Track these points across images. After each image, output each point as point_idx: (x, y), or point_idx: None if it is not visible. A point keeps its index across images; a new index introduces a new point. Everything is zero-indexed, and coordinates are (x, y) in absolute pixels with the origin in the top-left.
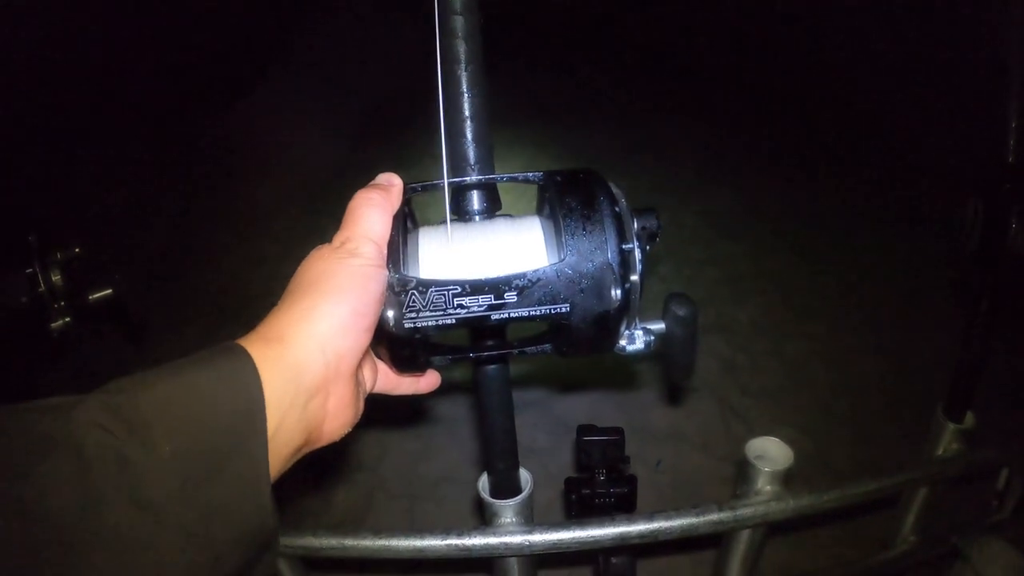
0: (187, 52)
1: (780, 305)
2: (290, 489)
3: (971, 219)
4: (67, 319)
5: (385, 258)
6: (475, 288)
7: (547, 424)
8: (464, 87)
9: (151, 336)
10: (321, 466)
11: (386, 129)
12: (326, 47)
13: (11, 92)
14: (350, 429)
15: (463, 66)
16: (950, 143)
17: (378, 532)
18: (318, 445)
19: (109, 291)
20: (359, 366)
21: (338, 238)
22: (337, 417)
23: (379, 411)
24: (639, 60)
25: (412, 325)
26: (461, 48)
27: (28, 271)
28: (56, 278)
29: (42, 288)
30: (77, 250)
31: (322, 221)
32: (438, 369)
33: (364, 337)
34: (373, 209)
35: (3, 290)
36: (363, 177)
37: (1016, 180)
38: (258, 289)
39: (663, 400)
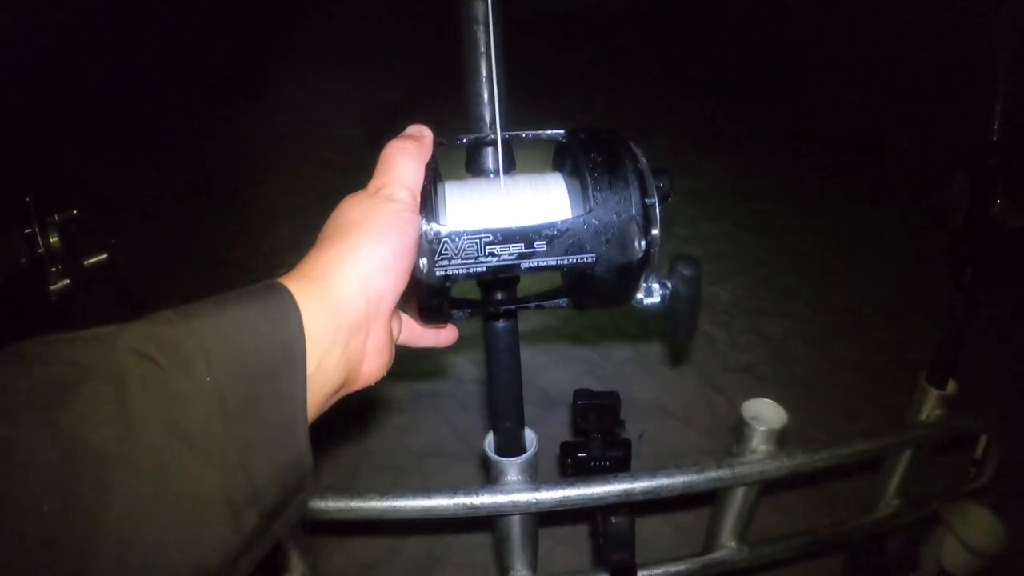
0: (201, 50)
1: (761, 284)
2: None
3: (957, 194)
4: (65, 281)
5: (419, 205)
6: (507, 237)
7: (533, 397)
8: (482, 48)
9: (148, 304)
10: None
11: (397, 121)
12: (340, 41)
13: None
14: (385, 373)
15: (480, 27)
16: (938, 126)
17: (385, 492)
18: (355, 388)
19: (104, 256)
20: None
21: (373, 184)
22: (375, 358)
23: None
24: (626, 46)
25: (444, 273)
26: (479, 9)
27: (27, 232)
28: (54, 240)
29: (41, 249)
30: (75, 212)
31: (315, 215)
32: (456, 323)
33: (403, 279)
34: (407, 157)
35: (4, 250)
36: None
37: (1000, 157)
38: (241, 264)
39: (646, 374)
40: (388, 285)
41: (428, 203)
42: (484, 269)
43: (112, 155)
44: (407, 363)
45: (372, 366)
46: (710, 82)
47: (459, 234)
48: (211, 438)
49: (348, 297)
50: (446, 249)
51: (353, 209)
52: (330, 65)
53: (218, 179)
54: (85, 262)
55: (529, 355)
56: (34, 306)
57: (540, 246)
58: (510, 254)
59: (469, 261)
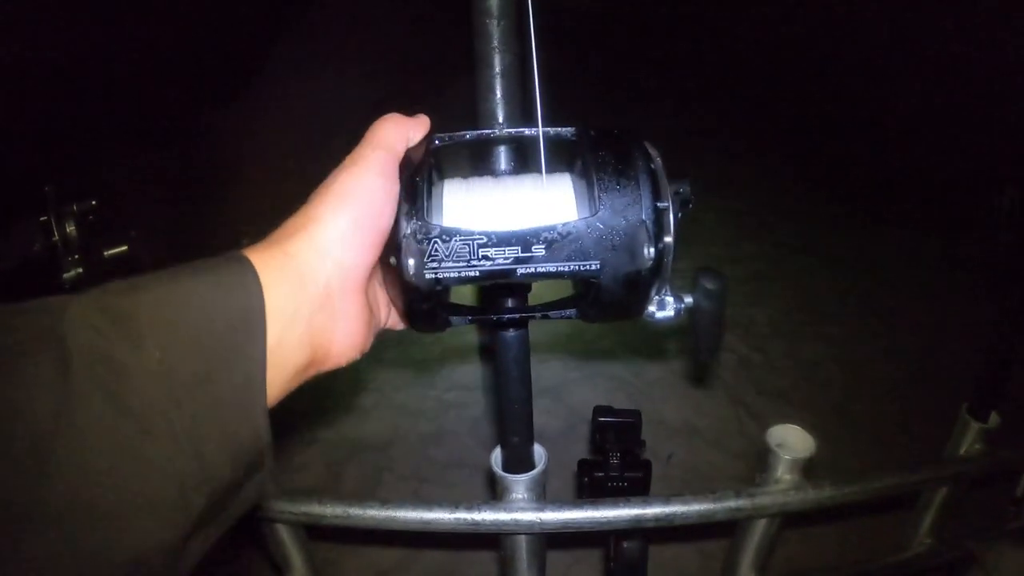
0: (194, 44)
1: (798, 306)
2: (298, 466)
3: (1008, 208)
4: (79, 270)
5: (397, 170)
6: (502, 239)
7: (560, 412)
8: (495, 42)
9: None
10: (331, 444)
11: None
12: (335, 33)
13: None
14: (359, 355)
15: (496, 21)
16: (978, 144)
17: (385, 502)
18: (325, 367)
19: (124, 248)
20: (373, 294)
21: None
22: (346, 337)
23: (392, 393)
24: (656, 62)
25: (433, 276)
26: (494, 2)
27: (42, 219)
28: (70, 229)
29: (56, 238)
30: (93, 203)
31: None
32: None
33: (369, 252)
34: (388, 124)
35: (17, 236)
36: None
37: None
38: None
39: (677, 394)
40: (350, 257)
41: (418, 200)
42: (477, 273)
43: (104, 150)
44: (435, 373)
45: (343, 345)
46: (734, 96)
47: (451, 234)
48: (157, 413)
49: (310, 269)
50: (436, 250)
51: (328, 178)
52: (324, 57)
53: (212, 175)
54: (105, 253)
55: (558, 370)
56: (46, 294)
57: (538, 251)
58: (505, 258)
59: (461, 264)
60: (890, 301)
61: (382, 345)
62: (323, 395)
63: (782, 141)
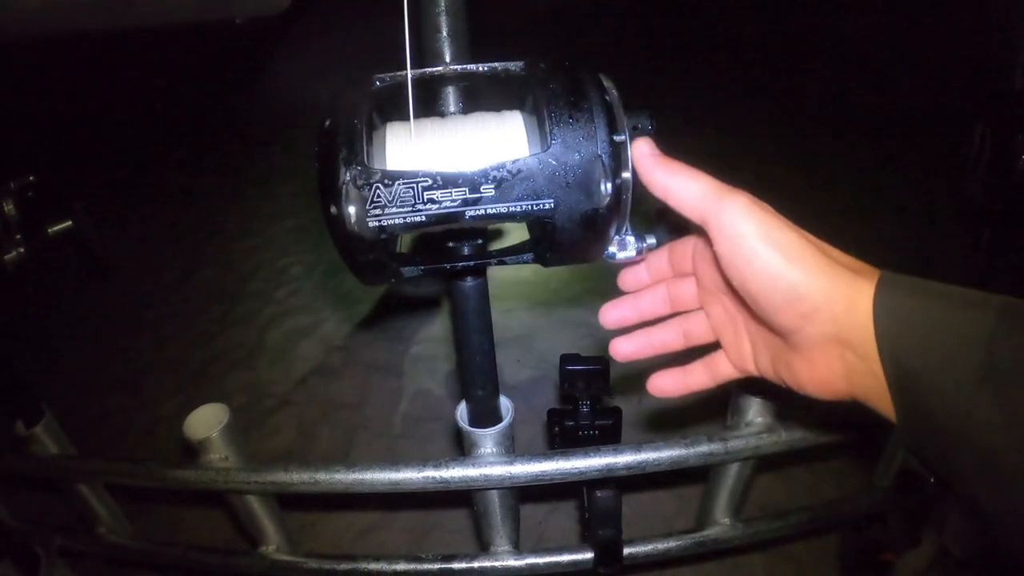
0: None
1: None
2: (271, 429)
3: (978, 147)
4: (20, 250)
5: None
6: (448, 180)
7: (530, 360)
8: None
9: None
10: (302, 406)
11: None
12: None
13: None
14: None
15: None
16: (954, 72)
17: (351, 465)
18: None
19: (69, 223)
20: None
21: None
22: None
23: (361, 350)
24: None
25: (377, 223)
26: None
27: None
28: (8, 208)
29: None
30: (31, 178)
31: (298, 161)
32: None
33: None
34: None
35: None
36: None
37: None
38: (235, 231)
39: None
40: None
41: (356, 143)
42: (424, 218)
43: (108, 117)
44: (403, 327)
45: None
46: (708, 34)
47: (393, 178)
48: None
49: None
50: (379, 196)
51: None
52: (335, 21)
53: (215, 143)
54: (49, 230)
55: (525, 319)
56: None
57: (488, 191)
58: (452, 201)
59: (406, 209)
60: (865, 240)
61: (348, 301)
62: (291, 358)
63: (749, 79)
